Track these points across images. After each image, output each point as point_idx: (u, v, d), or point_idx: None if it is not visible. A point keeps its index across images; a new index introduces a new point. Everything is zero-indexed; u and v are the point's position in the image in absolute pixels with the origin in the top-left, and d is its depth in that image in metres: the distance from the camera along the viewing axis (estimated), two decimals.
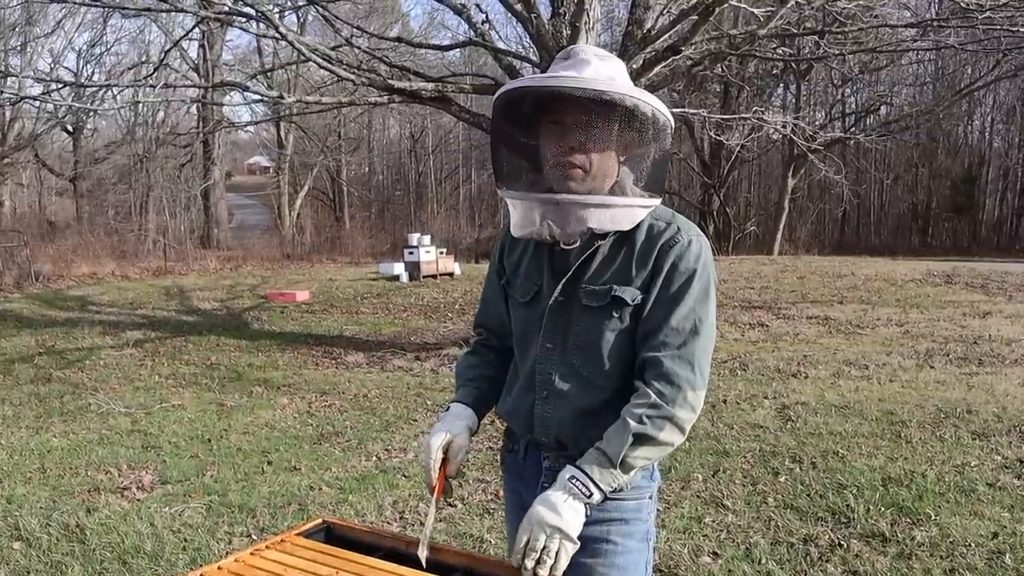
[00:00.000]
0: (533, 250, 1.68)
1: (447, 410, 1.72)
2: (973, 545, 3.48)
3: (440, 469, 1.62)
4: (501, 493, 3.95)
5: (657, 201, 1.59)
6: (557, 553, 1.45)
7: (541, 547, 1.44)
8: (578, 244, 1.58)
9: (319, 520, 1.75)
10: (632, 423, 1.50)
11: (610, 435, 1.52)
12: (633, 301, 1.56)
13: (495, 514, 3.99)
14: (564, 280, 1.60)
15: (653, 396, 1.51)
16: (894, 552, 3.45)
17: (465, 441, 1.66)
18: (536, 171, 1.62)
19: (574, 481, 1.48)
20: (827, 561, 3.40)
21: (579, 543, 1.47)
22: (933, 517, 3.78)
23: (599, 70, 1.54)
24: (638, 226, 1.57)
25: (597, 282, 1.58)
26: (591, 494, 1.47)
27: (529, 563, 1.44)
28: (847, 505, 3.95)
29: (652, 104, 1.51)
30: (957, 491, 4.11)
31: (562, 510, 1.45)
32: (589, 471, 1.49)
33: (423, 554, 1.55)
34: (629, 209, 1.54)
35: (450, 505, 4.17)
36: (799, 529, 3.72)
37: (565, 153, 1.52)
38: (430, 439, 1.64)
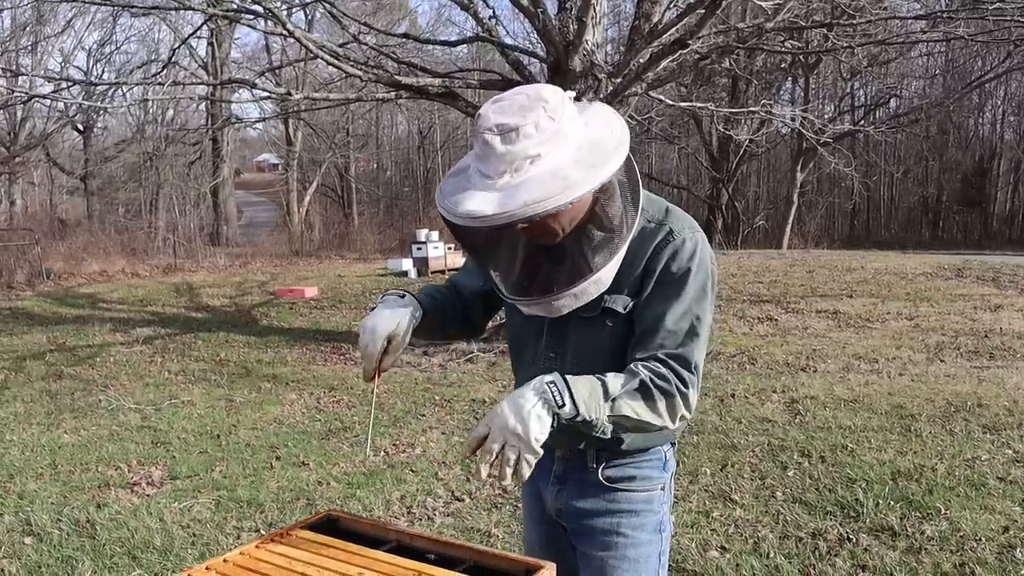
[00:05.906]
0: None
1: (383, 297, 1.64)
2: (983, 539, 3.47)
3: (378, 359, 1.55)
4: (507, 488, 3.97)
5: (634, 223, 1.48)
6: (516, 462, 1.35)
7: (497, 452, 1.35)
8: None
9: (324, 513, 1.75)
10: (643, 373, 1.45)
11: (615, 375, 1.45)
12: (625, 309, 1.53)
13: (502, 508, 4.00)
14: None
15: (666, 371, 1.47)
16: (903, 546, 3.44)
17: (405, 328, 1.57)
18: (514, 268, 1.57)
19: (552, 386, 1.37)
20: (836, 555, 3.39)
21: (542, 452, 1.37)
22: (943, 511, 3.76)
23: (530, 170, 1.37)
24: None
25: None
26: (563, 405, 1.36)
27: (484, 468, 1.35)
28: (856, 499, 3.93)
29: (591, 182, 1.35)
30: (967, 485, 4.09)
31: (527, 417, 1.34)
32: (573, 385, 1.38)
33: (369, 452, 1.54)
34: (612, 268, 1.48)
35: (457, 500, 4.18)
36: (808, 523, 3.71)
37: (532, 256, 1.51)
38: (375, 323, 1.56)
